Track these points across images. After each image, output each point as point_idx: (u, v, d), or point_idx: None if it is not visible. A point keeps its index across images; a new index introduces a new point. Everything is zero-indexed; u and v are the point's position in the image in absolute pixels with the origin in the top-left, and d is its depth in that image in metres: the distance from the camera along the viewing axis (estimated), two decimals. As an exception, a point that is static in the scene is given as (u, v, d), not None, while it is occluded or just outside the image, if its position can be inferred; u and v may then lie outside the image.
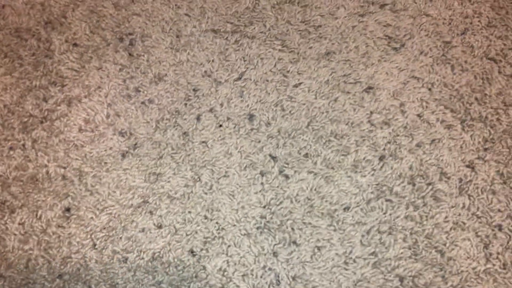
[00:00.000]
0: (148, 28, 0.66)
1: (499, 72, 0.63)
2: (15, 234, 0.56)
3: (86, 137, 0.60)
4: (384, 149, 0.60)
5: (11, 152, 0.59)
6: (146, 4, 0.68)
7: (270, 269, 0.55)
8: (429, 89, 0.63)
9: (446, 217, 0.56)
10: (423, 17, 0.67)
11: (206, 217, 0.57)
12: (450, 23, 0.67)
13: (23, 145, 0.60)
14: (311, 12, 0.68)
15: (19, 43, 0.66)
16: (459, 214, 0.56)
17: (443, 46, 0.65)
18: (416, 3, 0.68)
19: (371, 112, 0.62)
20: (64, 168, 0.59)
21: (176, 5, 0.68)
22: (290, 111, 0.62)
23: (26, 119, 0.61)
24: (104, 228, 0.57)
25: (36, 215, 0.57)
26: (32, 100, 0.62)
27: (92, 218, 0.57)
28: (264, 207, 0.57)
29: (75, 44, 0.66)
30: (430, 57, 0.65)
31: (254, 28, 0.67)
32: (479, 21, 0.67)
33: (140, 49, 0.65)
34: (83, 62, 0.64)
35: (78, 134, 0.60)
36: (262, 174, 0.59)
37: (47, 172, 0.58)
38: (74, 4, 0.68)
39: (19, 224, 0.56)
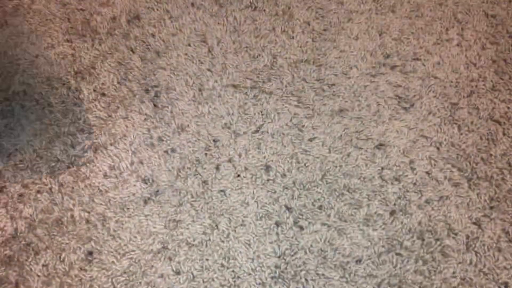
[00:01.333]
0: (173, 81, 0.70)
1: (504, 134, 0.67)
2: (38, 276, 0.58)
3: (111, 183, 0.63)
4: (394, 204, 0.62)
5: (38, 195, 0.62)
6: (171, 59, 0.72)
7: (283, 318, 0.57)
8: (437, 148, 0.66)
9: (453, 272, 0.58)
10: (431, 79, 0.71)
11: (222, 265, 0.59)
12: (456, 86, 0.71)
13: (50, 188, 0.63)
14: (325, 71, 0.72)
15: (50, 91, 0.70)
16: (466, 270, 0.59)
17: (450, 107, 0.69)
18: (424, 65, 0.72)
19: (382, 168, 0.65)
20: (88, 212, 0.61)
21: (199, 60, 0.72)
22: (305, 164, 0.65)
23: (53, 164, 0.64)
24: (125, 273, 0.59)
25: (60, 257, 0.59)
26: (60, 146, 0.66)
27: (113, 262, 0.59)
28: (279, 257, 0.59)
29: (103, 94, 0.69)
30: (438, 117, 0.69)
31: (272, 85, 0.71)
32: (484, 84, 0.71)
33: (164, 101, 0.69)
34: (110, 111, 0.68)
35: (103, 180, 0.63)
36: (277, 224, 0.61)
37: (72, 216, 0.61)
38: (103, 56, 0.72)
39: (43, 266, 0.58)
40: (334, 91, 0.70)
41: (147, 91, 0.70)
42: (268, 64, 0.72)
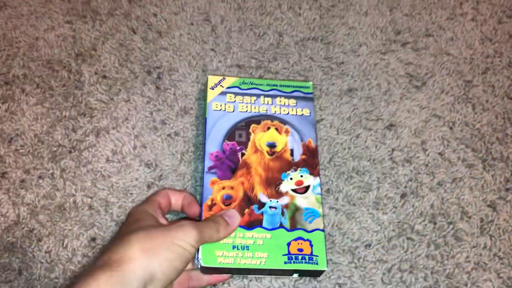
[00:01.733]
0: (175, 62, 0.68)
1: (520, 112, 0.64)
2: (41, 262, 0.57)
3: (113, 167, 0.62)
4: (405, 187, 0.60)
5: (40, 181, 0.61)
6: (174, 39, 0.70)
7: (291, 304, 0.55)
8: (450, 128, 0.64)
9: (467, 257, 0.56)
10: (444, 56, 0.68)
11: (228, 250, 0.58)
12: (471, 62, 0.68)
13: (52, 174, 0.61)
14: (333, 49, 0.69)
15: (51, 74, 0.68)
16: (481, 255, 0.57)
17: (464, 85, 0.66)
18: (437, 42, 0.69)
19: (393, 149, 0.62)
20: (91, 198, 0.60)
21: (202, 40, 0.70)
22: (312, 147, 0.63)
23: (55, 149, 0.63)
24: None
25: (63, 244, 0.58)
26: (62, 130, 0.64)
27: None
28: (286, 242, 0.58)
29: (104, 76, 0.68)
30: (451, 95, 0.66)
31: (278, 64, 0.68)
32: (500, 61, 0.68)
33: (167, 83, 0.67)
34: (112, 94, 0.66)
35: (105, 165, 0.62)
36: (284, 208, 0.59)
37: (74, 202, 0.60)
38: (104, 37, 0.70)
39: (46, 252, 0.57)
40: (342, 70, 0.68)
41: (149, 72, 0.68)
42: (273, 43, 0.70)
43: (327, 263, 0.54)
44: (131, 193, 0.60)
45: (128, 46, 0.70)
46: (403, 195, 0.60)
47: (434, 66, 0.68)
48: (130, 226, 0.48)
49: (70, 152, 0.63)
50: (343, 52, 0.69)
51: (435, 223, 0.58)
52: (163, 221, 0.51)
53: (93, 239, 0.58)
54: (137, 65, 0.68)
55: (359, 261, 0.56)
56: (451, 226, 0.58)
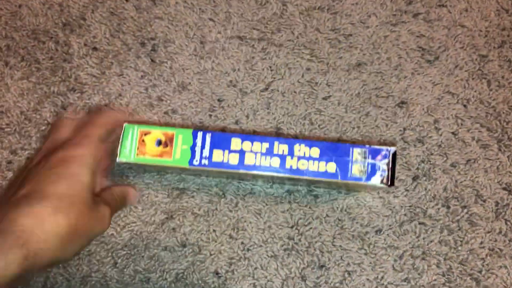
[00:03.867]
0: (171, 33, 0.63)
1: (538, 89, 0.61)
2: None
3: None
4: (417, 169, 0.57)
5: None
6: (169, 7, 0.65)
7: (298, 293, 0.53)
8: (464, 106, 0.60)
9: (481, 242, 0.54)
10: (458, 28, 0.64)
11: (231, 236, 0.55)
12: (486, 35, 0.64)
13: (41, 155, 0.57)
14: (341, 20, 0.65)
15: (37, 46, 0.63)
16: (496, 240, 0.54)
17: (479, 59, 0.63)
18: (451, 13, 0.65)
19: (404, 129, 0.59)
20: (84, 180, 0.56)
21: (200, 9, 0.65)
22: (319, 125, 0.59)
23: (43, 127, 0.59)
24: (126, 246, 0.55)
25: (55, 230, 0.54)
26: (50, 107, 0.60)
27: (113, 235, 0.55)
28: (292, 227, 0.55)
29: (94, 48, 0.63)
30: (466, 71, 0.62)
31: (282, 36, 0.64)
32: (516, 33, 0.64)
33: (162, 55, 0.62)
34: (103, 68, 0.62)
35: (98, 145, 0.58)
36: (289, 192, 0.56)
37: (66, 185, 0.56)
38: (94, 5, 0.65)
39: (37, 239, 0.54)
40: (351, 43, 0.63)
41: (143, 44, 0.63)
42: (277, 12, 0.65)
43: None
44: (127, 175, 0.57)
45: (120, 15, 0.64)
46: (415, 178, 0.57)
47: (448, 39, 0.64)
48: (63, 183, 0.42)
49: (59, 131, 0.58)
50: (351, 23, 0.64)
51: (448, 207, 0.55)
52: (98, 188, 0.46)
53: (87, 225, 0.55)
54: (129, 36, 0.63)
55: (369, 247, 0.54)
56: (465, 210, 0.55)
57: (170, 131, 0.46)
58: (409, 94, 0.61)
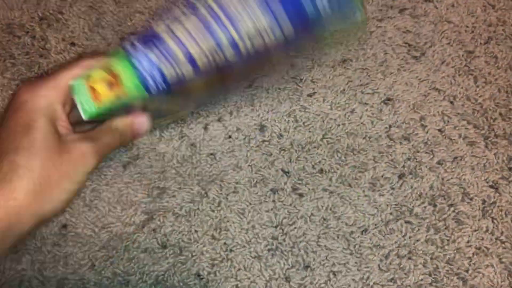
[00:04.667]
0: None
1: (524, 86, 0.60)
2: (7, 254, 0.51)
3: (85, 146, 0.56)
4: (403, 166, 0.56)
5: (3, 162, 0.55)
6: (149, 1, 0.63)
7: (282, 294, 0.51)
8: (451, 102, 0.59)
9: (468, 241, 0.53)
10: (444, 24, 0.63)
11: (213, 237, 0.53)
12: (473, 31, 0.63)
13: (16, 153, 0.55)
14: (326, 15, 0.63)
15: (12, 41, 0.61)
16: (482, 239, 0.53)
17: (466, 55, 0.62)
18: (437, 8, 0.64)
19: (390, 126, 0.58)
20: (61, 180, 0.54)
21: (182, 2, 0.63)
22: (304, 123, 0.58)
23: (19, 125, 0.56)
24: (104, 248, 0.53)
25: (30, 231, 0.52)
26: (26, 104, 0.57)
27: (91, 236, 0.53)
28: (276, 227, 0.54)
29: (72, 44, 0.61)
30: (452, 67, 0.61)
31: (266, 31, 0.62)
32: (503, 29, 0.63)
33: (143, 51, 0.60)
34: (82, 64, 0.59)
35: (76, 143, 0.56)
36: (273, 190, 0.55)
37: (42, 184, 0.54)
38: (72, -1, 0.63)
39: (11, 241, 0.52)
40: (335, 38, 0.62)
41: (123, 39, 0.61)
42: (261, 8, 0.64)
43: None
44: (105, 175, 0.55)
45: (99, 9, 0.62)
46: (401, 175, 0.56)
47: (434, 35, 0.63)
48: (18, 136, 0.39)
49: (35, 129, 0.56)
50: (336, 19, 0.63)
51: (435, 205, 0.54)
52: (64, 130, 0.42)
53: (64, 226, 0.53)
54: (109, 30, 0.62)
55: (355, 247, 0.53)
56: (451, 209, 0.54)
57: (110, 67, 0.42)
58: (395, 91, 0.60)
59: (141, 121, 0.46)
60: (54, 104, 0.41)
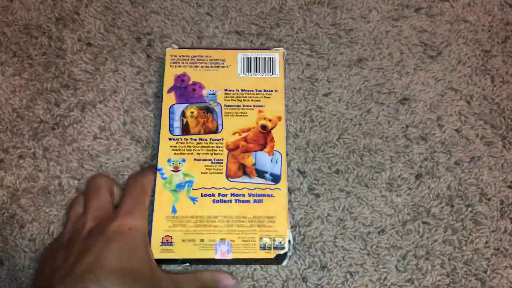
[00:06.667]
0: (168, 27, 0.62)
1: (542, 85, 0.59)
2: (25, 251, 0.52)
3: (101, 146, 0.56)
4: (420, 167, 0.56)
5: (21, 161, 0.55)
6: (165, 2, 0.63)
7: (298, 294, 0.51)
8: (468, 102, 0.59)
9: (486, 242, 0.53)
10: (461, 23, 0.63)
11: (230, 237, 0.53)
12: (489, 30, 0.63)
13: (34, 153, 0.56)
14: (341, 15, 0.63)
15: (29, 41, 0.61)
16: (501, 239, 0.53)
17: (483, 55, 0.61)
18: (453, 7, 0.64)
19: (407, 126, 0.58)
20: (78, 179, 0.55)
21: (197, 3, 0.63)
22: (319, 122, 0.58)
23: (36, 125, 0.57)
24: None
25: (48, 230, 0.53)
26: (43, 104, 0.58)
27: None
28: (293, 227, 0.53)
29: (88, 44, 0.61)
30: (469, 66, 0.61)
31: (281, 31, 0.62)
32: (520, 28, 0.63)
33: (159, 51, 0.61)
34: (98, 64, 0.60)
35: (93, 143, 0.56)
36: (290, 191, 0.55)
37: (60, 184, 0.54)
38: (88, -1, 0.63)
39: (30, 240, 0.52)
40: (351, 38, 0.62)
41: (138, 39, 0.61)
42: (276, 7, 0.63)
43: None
44: (122, 174, 0.55)
45: (115, 10, 0.63)
46: (418, 176, 0.55)
47: (450, 34, 0.62)
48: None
49: (53, 128, 0.57)
50: (351, 18, 0.63)
51: (452, 206, 0.54)
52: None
53: (82, 226, 0.53)
54: (125, 31, 0.62)
55: (372, 247, 0.52)
56: (469, 209, 0.54)
57: None
58: (411, 91, 0.59)
59: (229, 283, 0.48)
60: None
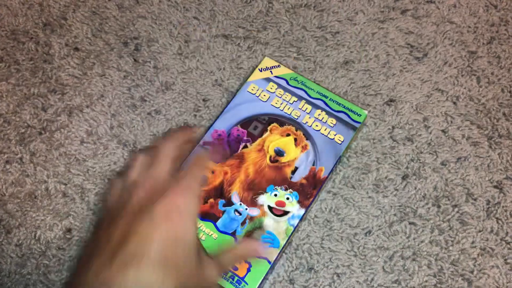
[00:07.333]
0: (155, 32, 0.62)
1: (528, 85, 0.60)
2: (11, 257, 0.52)
3: (89, 150, 0.56)
4: (407, 167, 0.56)
5: (7, 166, 0.55)
6: (152, 6, 0.63)
7: (286, 296, 0.51)
8: (454, 103, 0.59)
9: (473, 242, 0.53)
10: (446, 25, 0.63)
11: (217, 240, 0.53)
12: (475, 32, 0.63)
13: (20, 158, 0.56)
14: (328, 17, 0.63)
15: (16, 47, 0.61)
16: (487, 239, 0.53)
17: (468, 56, 0.62)
18: (439, 9, 0.64)
19: (393, 127, 0.58)
20: (65, 184, 0.55)
21: (184, 7, 0.64)
22: (306, 125, 0.58)
23: (23, 130, 0.57)
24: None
25: (35, 236, 0.53)
26: (30, 109, 0.58)
27: (95, 239, 0.53)
28: (280, 229, 0.53)
29: (76, 49, 0.61)
30: (455, 67, 0.61)
31: (268, 34, 0.62)
32: (505, 29, 0.63)
33: (146, 55, 0.61)
34: (85, 69, 0.60)
35: (80, 147, 0.56)
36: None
37: (47, 189, 0.54)
38: (75, 4, 0.63)
39: (16, 245, 0.52)
40: (338, 40, 0.62)
41: (126, 44, 0.61)
42: (263, 10, 0.64)
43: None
44: (109, 178, 0.55)
45: (102, 15, 0.63)
46: (404, 177, 0.55)
47: (436, 36, 0.63)
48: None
49: (40, 133, 0.57)
50: (338, 21, 0.63)
51: (439, 206, 0.54)
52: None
53: (69, 230, 0.53)
54: (112, 35, 0.62)
55: (359, 249, 0.52)
56: (456, 209, 0.54)
57: None
58: (397, 92, 0.60)
59: (264, 249, 0.48)
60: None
